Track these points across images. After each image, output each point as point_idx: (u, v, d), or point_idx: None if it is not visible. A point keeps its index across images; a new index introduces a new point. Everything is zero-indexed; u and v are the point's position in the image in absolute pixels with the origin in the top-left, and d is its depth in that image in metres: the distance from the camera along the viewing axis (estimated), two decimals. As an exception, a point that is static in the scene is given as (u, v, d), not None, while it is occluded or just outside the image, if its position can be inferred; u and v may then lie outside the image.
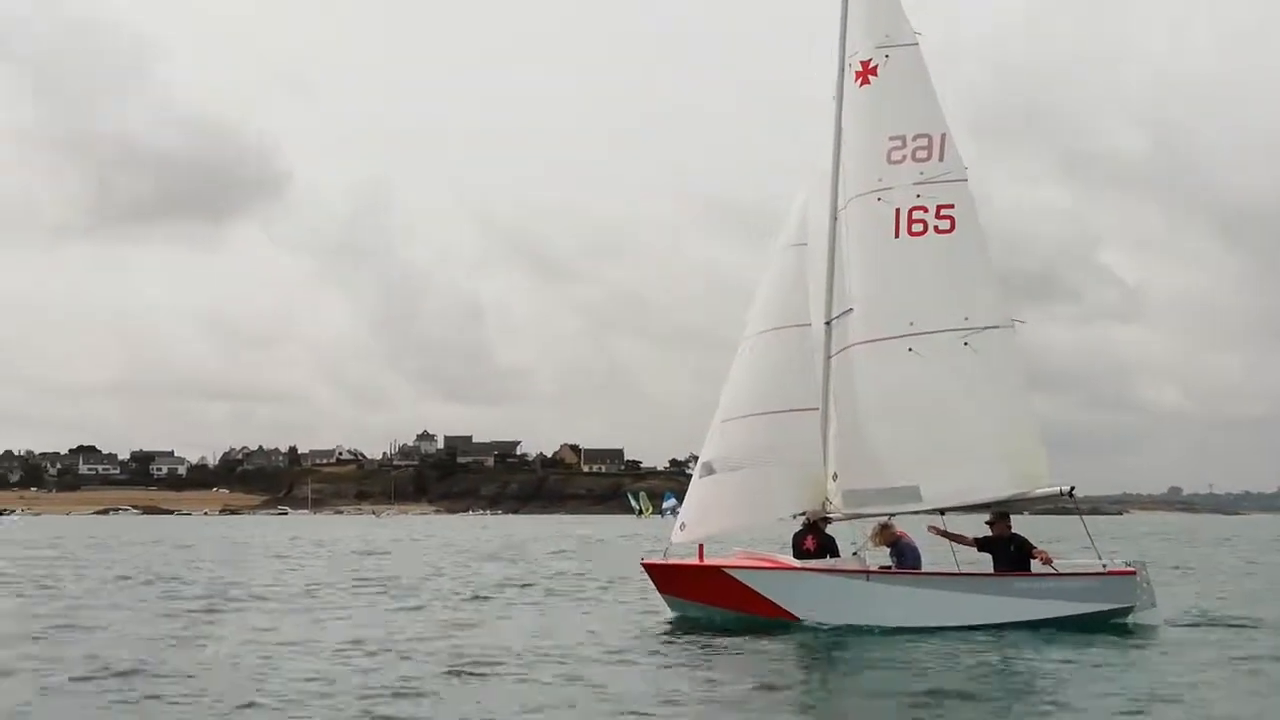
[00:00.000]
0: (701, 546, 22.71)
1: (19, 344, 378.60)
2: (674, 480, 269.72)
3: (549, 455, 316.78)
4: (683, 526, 23.29)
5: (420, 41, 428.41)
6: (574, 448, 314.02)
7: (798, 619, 21.28)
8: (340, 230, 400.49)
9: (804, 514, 22.70)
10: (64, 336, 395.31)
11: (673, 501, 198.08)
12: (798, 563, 22.11)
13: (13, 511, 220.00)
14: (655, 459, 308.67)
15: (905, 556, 21.91)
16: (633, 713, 13.92)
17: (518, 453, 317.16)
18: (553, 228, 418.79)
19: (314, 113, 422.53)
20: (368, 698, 14.60)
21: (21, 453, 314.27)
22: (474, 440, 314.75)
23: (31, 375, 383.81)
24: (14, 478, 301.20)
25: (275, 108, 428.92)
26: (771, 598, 21.45)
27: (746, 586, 21.56)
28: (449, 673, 16.55)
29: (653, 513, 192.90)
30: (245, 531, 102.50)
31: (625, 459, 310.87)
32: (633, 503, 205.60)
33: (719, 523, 23.16)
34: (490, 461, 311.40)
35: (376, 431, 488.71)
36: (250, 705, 14.17)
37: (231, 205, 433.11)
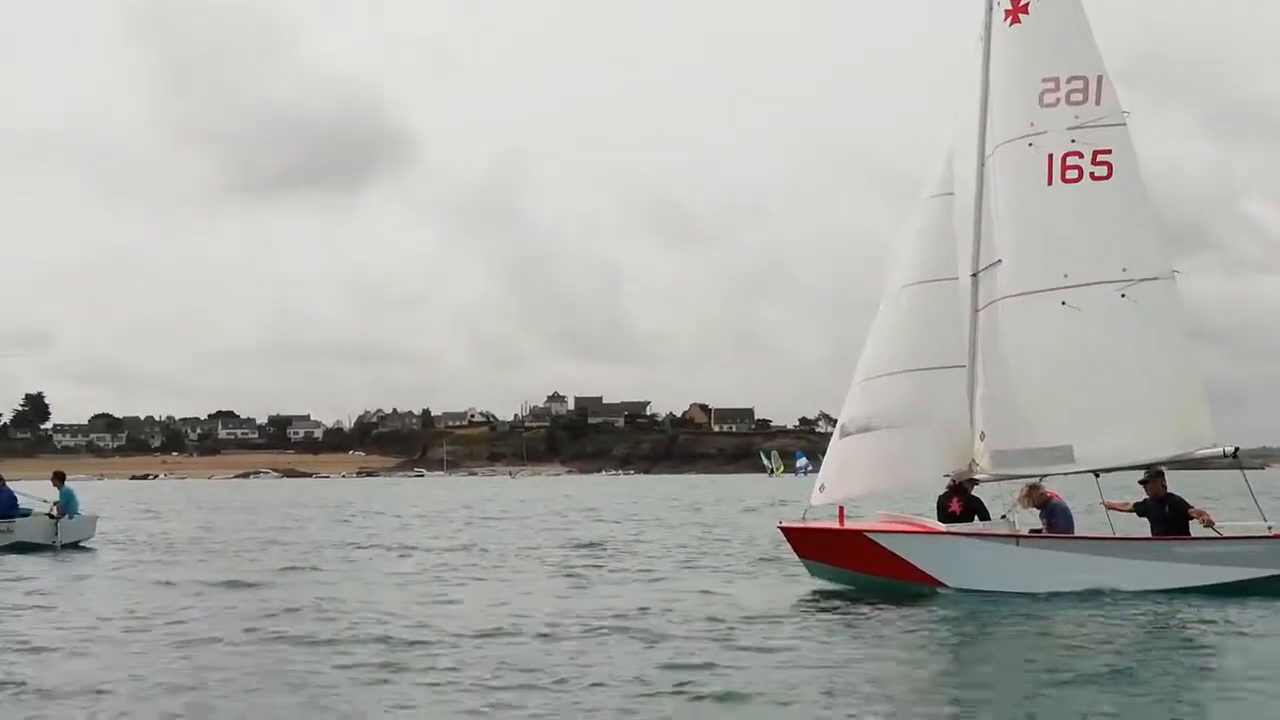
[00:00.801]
0: (842, 509, 21.90)
1: (160, 312, 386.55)
2: (804, 439, 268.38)
3: (679, 415, 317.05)
4: (822, 488, 22.44)
5: (557, 5, 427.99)
6: (704, 407, 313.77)
7: (943, 585, 20.41)
8: (475, 195, 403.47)
9: (949, 475, 21.78)
10: (202, 304, 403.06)
11: (804, 460, 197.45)
12: (943, 526, 21.22)
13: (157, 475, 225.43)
14: (785, 418, 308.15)
15: (1056, 519, 20.93)
16: (768, 686, 13.24)
17: (647, 413, 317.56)
18: (684, 190, 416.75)
19: (450, 80, 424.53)
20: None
21: (163, 418, 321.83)
22: (604, 401, 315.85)
23: (171, 342, 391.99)
24: (155, 442, 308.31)
25: (411, 76, 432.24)
26: (916, 563, 20.61)
27: (890, 551, 20.74)
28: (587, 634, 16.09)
29: (784, 472, 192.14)
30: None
31: (755, 418, 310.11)
32: (765, 461, 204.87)
33: (860, 484, 22.26)
34: (620, 422, 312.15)
35: (508, 393, 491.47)
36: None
37: (369, 173, 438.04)
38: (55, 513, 31.71)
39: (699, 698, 12.73)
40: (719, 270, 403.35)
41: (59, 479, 32.56)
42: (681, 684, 13.28)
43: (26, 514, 31.67)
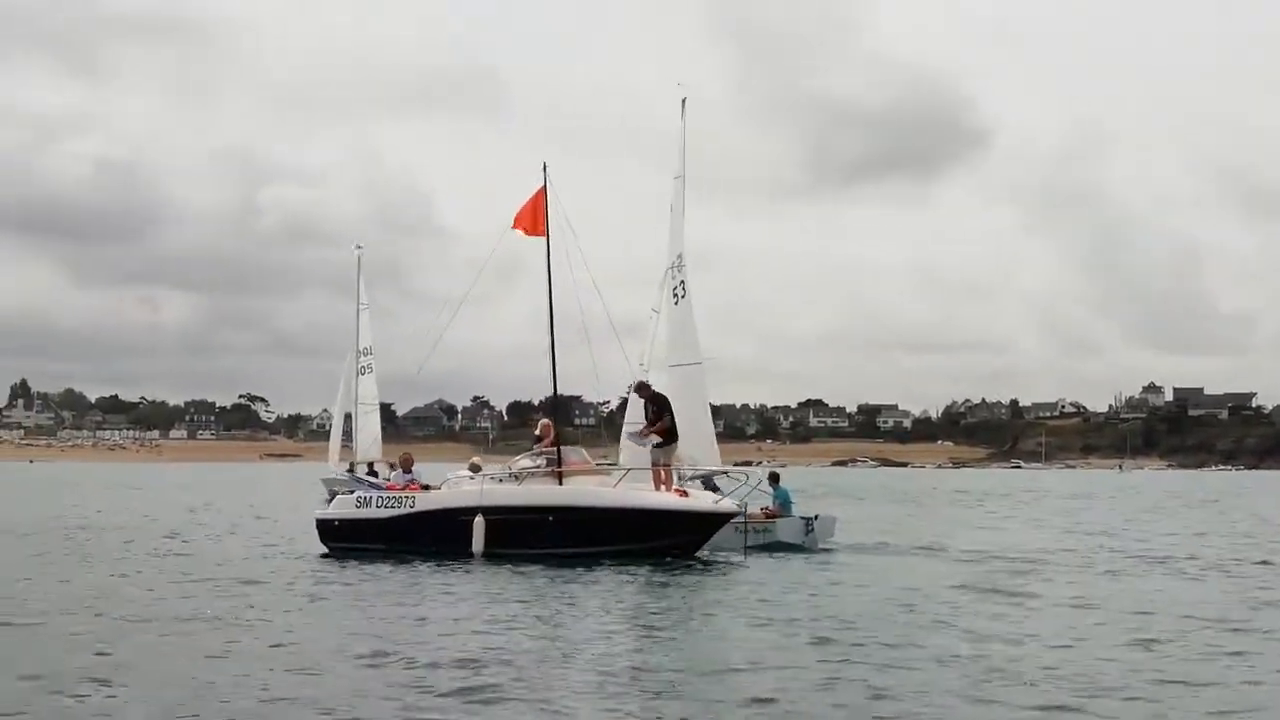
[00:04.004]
0: None
1: (750, 301, 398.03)
2: None
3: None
4: None
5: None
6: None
7: None
8: (1050, 177, 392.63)
9: None
10: (789, 293, 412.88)
11: None
12: None
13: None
14: None
15: None
16: None
17: (1253, 405, 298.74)
18: (1269, 162, 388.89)
19: (1020, 58, 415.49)
20: None
21: (756, 406, 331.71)
22: (1205, 392, 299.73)
23: (762, 331, 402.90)
24: (750, 430, 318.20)
25: (982, 57, 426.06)
26: None
27: None
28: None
29: None
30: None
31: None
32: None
33: None
34: (1223, 414, 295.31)
35: (1094, 383, 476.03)
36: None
37: (941, 158, 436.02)
38: (774, 512, 30.70)
39: None
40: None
41: (774, 479, 31.88)
42: None
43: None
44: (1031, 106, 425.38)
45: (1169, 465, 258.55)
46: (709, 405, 31.53)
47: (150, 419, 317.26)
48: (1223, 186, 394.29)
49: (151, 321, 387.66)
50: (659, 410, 27.91)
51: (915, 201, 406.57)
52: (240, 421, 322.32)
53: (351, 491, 29.82)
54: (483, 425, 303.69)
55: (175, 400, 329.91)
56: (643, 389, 28.75)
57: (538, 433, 29.66)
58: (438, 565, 25.17)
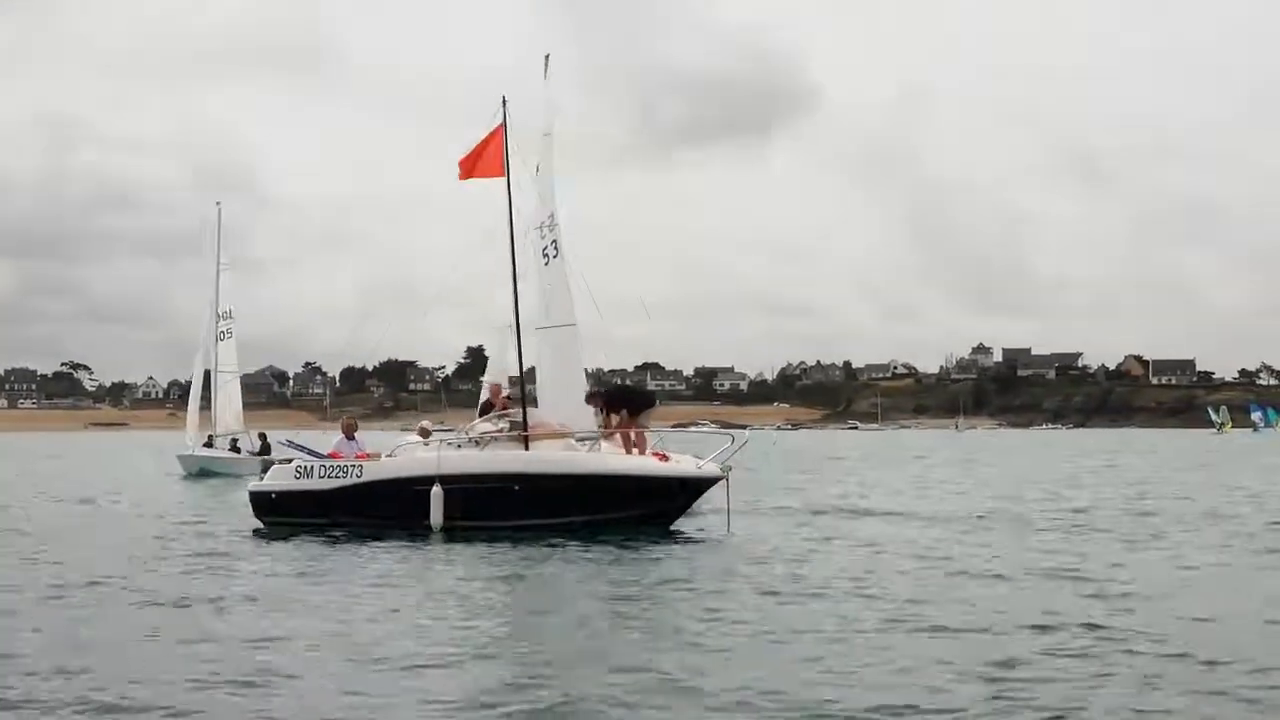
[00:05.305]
0: None
1: (585, 266, 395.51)
2: (1250, 391, 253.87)
3: (1111, 367, 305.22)
4: None
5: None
6: (1140, 359, 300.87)
7: None
8: (877, 143, 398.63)
9: None
10: (624, 258, 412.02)
11: (1260, 413, 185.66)
12: None
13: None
14: (1224, 370, 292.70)
15: None
16: None
17: (1079, 365, 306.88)
18: (1099, 131, 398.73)
19: (846, 25, 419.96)
20: None
21: (593, 370, 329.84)
22: (1033, 353, 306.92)
23: (597, 296, 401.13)
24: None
25: (812, 21, 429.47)
26: None
27: None
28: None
29: (1232, 427, 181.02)
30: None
31: (1196, 370, 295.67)
32: (1212, 416, 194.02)
33: None
34: (1051, 374, 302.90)
35: (925, 345, 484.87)
36: None
37: (771, 123, 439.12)
38: None
39: None
40: (1129, 215, 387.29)
41: None
42: None
43: None
44: (860, 71, 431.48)
45: (999, 424, 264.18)
46: (584, 369, 30.01)
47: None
48: (1046, 154, 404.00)
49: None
50: (613, 405, 26.43)
51: (749, 166, 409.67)
52: (63, 390, 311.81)
53: (289, 460, 27.26)
54: (316, 392, 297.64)
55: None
56: (593, 398, 26.89)
57: (486, 397, 27.68)
58: (389, 541, 23.13)
